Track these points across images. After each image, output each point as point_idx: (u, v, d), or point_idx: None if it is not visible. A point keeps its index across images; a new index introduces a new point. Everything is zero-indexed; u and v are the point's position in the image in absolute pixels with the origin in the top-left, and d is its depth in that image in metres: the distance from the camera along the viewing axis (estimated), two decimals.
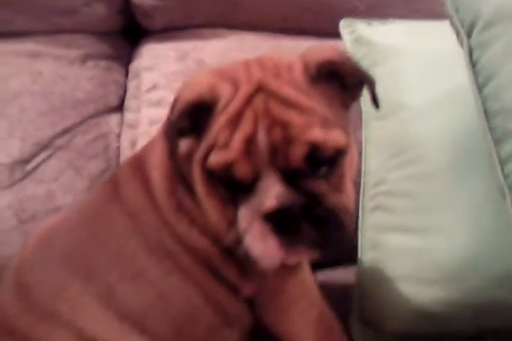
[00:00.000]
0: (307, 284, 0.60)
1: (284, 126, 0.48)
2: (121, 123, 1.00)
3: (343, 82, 0.53)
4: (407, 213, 0.67)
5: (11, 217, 0.86)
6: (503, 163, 0.49)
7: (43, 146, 0.92)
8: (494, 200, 0.55)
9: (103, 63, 1.04)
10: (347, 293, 0.71)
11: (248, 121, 0.48)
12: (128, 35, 1.09)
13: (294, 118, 0.48)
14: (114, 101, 1.02)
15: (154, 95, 0.98)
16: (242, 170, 0.48)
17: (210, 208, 0.53)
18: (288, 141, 0.47)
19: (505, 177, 0.49)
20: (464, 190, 0.64)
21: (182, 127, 0.54)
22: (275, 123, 0.48)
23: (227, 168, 0.48)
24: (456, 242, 0.62)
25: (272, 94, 0.50)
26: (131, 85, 1.03)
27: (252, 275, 0.57)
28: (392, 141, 0.72)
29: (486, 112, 0.51)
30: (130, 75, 1.05)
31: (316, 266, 0.66)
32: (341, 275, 0.82)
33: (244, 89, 0.50)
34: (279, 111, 0.48)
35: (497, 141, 0.50)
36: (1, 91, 0.95)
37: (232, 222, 0.50)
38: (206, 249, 0.57)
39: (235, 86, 0.51)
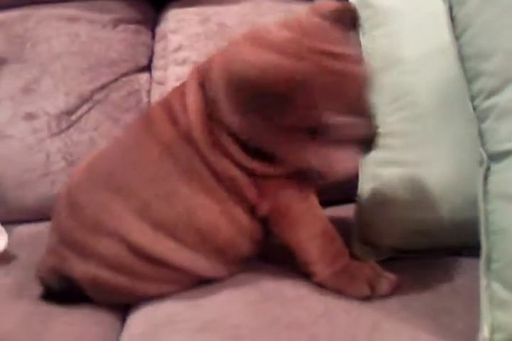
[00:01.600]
0: (312, 202, 0.71)
1: None
2: (151, 80, 1.11)
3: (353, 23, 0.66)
4: (401, 149, 0.79)
5: (60, 159, 1.00)
6: (473, 97, 0.60)
7: (84, 100, 1.04)
8: (473, 135, 0.65)
9: (132, 27, 1.13)
10: (348, 225, 0.84)
11: None
12: (154, 1, 1.18)
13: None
14: (143, 61, 1.12)
15: (180, 55, 1.08)
16: None
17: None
18: None
19: (474, 108, 0.60)
20: (449, 129, 0.75)
21: None
22: None
23: None
24: (441, 171, 0.74)
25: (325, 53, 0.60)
26: (159, 46, 1.12)
27: (267, 195, 0.69)
28: (390, 90, 0.83)
29: (461, 58, 0.62)
30: (157, 37, 1.14)
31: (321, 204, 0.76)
32: (344, 211, 0.96)
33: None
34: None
35: (469, 81, 0.61)
36: (45, 51, 1.06)
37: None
38: (234, 175, 0.68)
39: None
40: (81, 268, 0.70)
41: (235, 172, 0.68)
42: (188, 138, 0.69)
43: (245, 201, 0.70)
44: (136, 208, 0.69)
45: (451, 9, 0.63)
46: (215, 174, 0.69)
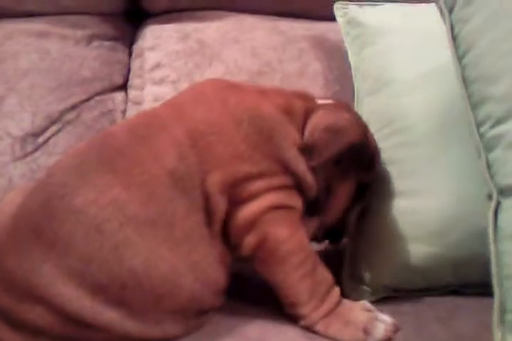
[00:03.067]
0: (301, 239, 0.64)
1: None
2: (126, 100, 1.05)
3: None
4: (395, 179, 0.73)
5: None
6: (478, 125, 0.55)
7: (53, 120, 0.96)
8: (474, 163, 0.60)
9: (107, 43, 1.08)
10: (338, 256, 0.78)
11: None
12: (131, 17, 1.13)
13: None
14: (118, 79, 1.06)
15: (157, 73, 1.03)
16: None
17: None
18: None
19: (480, 136, 0.55)
20: (447, 155, 0.70)
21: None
22: None
23: None
24: (439, 202, 0.68)
25: None
26: (135, 64, 1.07)
27: (258, 231, 0.62)
28: (382, 114, 0.78)
29: (464, 80, 0.57)
30: (134, 55, 1.09)
31: None
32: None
33: None
34: None
35: (474, 106, 0.56)
36: (12, 68, 0.99)
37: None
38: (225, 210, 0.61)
39: None
40: (14, 339, 0.57)
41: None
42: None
43: (223, 243, 0.62)
44: (71, 269, 0.56)
45: (452, 28, 0.58)
46: (208, 213, 0.61)
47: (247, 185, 0.62)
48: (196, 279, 0.60)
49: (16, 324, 0.58)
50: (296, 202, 0.65)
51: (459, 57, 0.57)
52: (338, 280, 0.71)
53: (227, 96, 0.67)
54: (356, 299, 0.68)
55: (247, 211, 0.62)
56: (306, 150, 0.65)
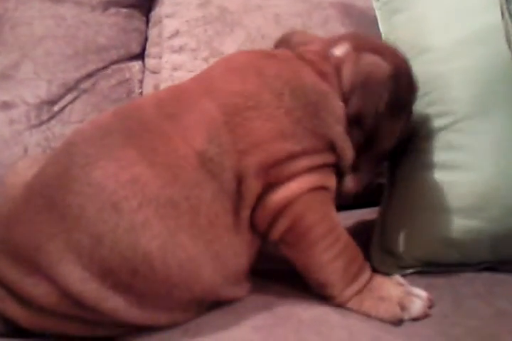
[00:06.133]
0: (333, 220, 0.60)
1: None
2: (143, 69, 1.02)
3: None
4: (433, 150, 0.69)
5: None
6: None
7: (69, 88, 0.94)
8: None
9: (124, 11, 1.04)
10: (368, 229, 0.74)
11: None
12: None
13: None
14: (136, 48, 1.03)
15: (176, 41, 0.99)
16: None
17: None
18: None
19: None
20: (488, 126, 0.65)
21: None
22: None
23: None
24: (480, 176, 0.64)
25: None
26: (153, 33, 1.04)
27: (290, 214, 0.57)
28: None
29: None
30: (151, 23, 1.05)
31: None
32: (362, 215, 0.86)
33: None
34: None
35: None
36: (27, 34, 0.95)
37: None
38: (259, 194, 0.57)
39: None
40: (21, 314, 0.55)
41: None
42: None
43: (250, 230, 0.58)
44: (80, 247, 0.52)
45: None
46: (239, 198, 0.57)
47: (287, 165, 0.57)
48: (216, 270, 0.56)
49: (23, 299, 0.54)
50: (333, 181, 0.61)
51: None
52: (368, 252, 0.68)
53: (263, 66, 0.62)
54: (387, 273, 0.65)
55: (283, 193, 0.57)
56: (357, 120, 0.61)
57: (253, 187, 0.56)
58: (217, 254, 0.56)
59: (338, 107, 0.61)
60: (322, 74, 0.62)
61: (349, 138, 0.61)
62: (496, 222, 0.64)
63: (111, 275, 0.52)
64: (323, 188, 0.59)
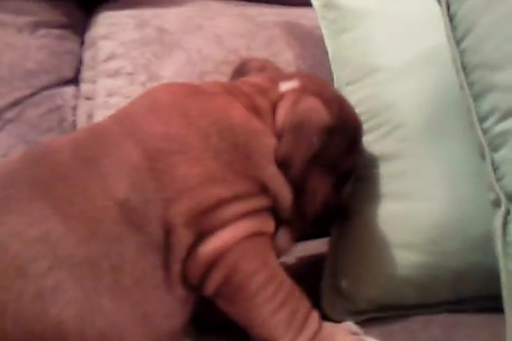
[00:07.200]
0: (272, 268, 0.55)
1: None
2: (77, 95, 0.94)
3: None
4: (382, 178, 0.64)
5: None
6: (482, 119, 0.47)
7: None
8: (472, 162, 0.53)
9: (56, 32, 0.97)
10: (318, 263, 0.69)
11: None
12: (83, 1, 1.02)
13: None
14: (68, 72, 0.95)
15: (112, 65, 0.92)
16: None
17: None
18: None
19: (484, 132, 0.46)
20: (441, 152, 0.61)
21: None
22: None
23: None
24: (434, 206, 0.60)
25: None
26: (87, 55, 0.97)
27: (226, 264, 0.52)
28: (366, 104, 0.69)
29: (463, 67, 0.48)
30: (86, 44, 0.98)
31: None
32: (312, 246, 0.81)
33: None
34: None
35: (476, 96, 0.47)
36: None
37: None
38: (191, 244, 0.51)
39: None
40: None
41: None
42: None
43: (183, 285, 0.52)
44: None
45: (448, 5, 0.49)
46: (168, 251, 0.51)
47: (218, 211, 0.52)
48: (144, 335, 0.50)
49: None
50: (270, 226, 0.56)
51: (457, 40, 0.49)
52: (317, 297, 0.63)
53: (187, 106, 0.57)
54: (338, 319, 0.60)
55: (215, 243, 0.51)
56: (283, 164, 0.56)
57: (183, 238, 0.50)
58: (146, 316, 0.50)
59: (271, 146, 0.56)
60: (255, 109, 0.58)
61: (286, 179, 0.56)
62: (455, 257, 0.60)
63: None
64: (259, 234, 0.54)
